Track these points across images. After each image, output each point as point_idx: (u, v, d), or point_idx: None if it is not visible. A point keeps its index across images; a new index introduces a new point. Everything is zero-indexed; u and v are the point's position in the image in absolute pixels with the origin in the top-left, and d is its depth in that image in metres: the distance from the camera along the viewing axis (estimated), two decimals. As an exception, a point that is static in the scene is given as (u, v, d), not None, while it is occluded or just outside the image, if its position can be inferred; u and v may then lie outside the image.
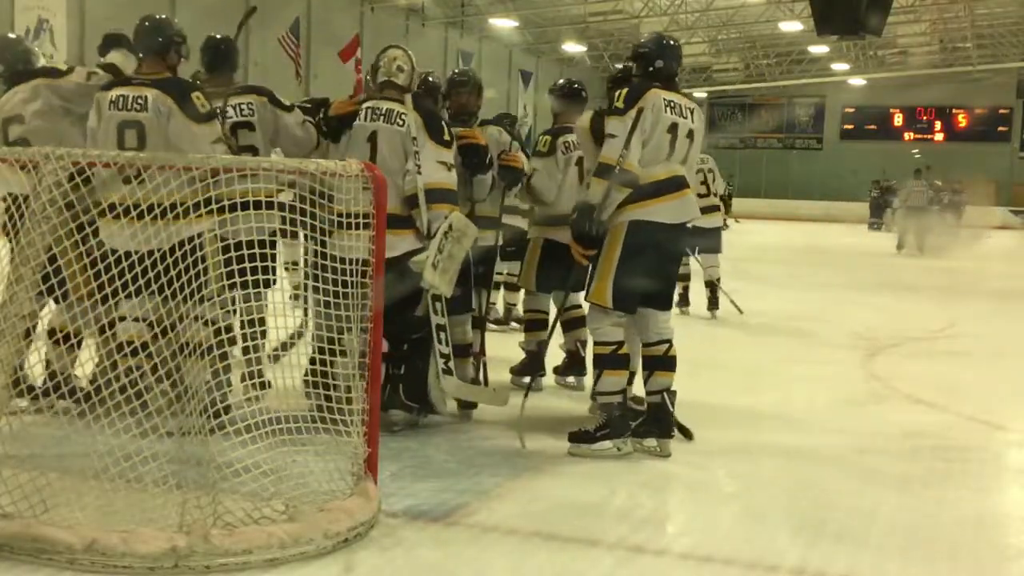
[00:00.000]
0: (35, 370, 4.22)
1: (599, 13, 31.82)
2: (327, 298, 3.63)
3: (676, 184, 4.54)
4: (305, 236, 4.10)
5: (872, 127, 40.74)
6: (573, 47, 33.66)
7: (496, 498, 3.92)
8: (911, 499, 4.17)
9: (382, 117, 4.72)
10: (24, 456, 3.37)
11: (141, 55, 4.67)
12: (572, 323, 5.80)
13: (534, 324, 5.96)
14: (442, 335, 4.73)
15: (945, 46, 35.53)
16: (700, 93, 40.92)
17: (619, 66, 5.38)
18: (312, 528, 3.22)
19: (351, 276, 3.59)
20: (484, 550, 3.41)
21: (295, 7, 23.38)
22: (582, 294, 5.75)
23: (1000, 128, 39.40)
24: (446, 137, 4.78)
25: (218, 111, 4.67)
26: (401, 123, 4.70)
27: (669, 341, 4.62)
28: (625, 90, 4.52)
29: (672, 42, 4.79)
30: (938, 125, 40.33)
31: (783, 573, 3.30)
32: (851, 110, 40.92)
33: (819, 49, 34.23)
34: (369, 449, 3.59)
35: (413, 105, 4.76)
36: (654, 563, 3.37)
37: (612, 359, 4.53)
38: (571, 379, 6.01)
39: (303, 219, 3.65)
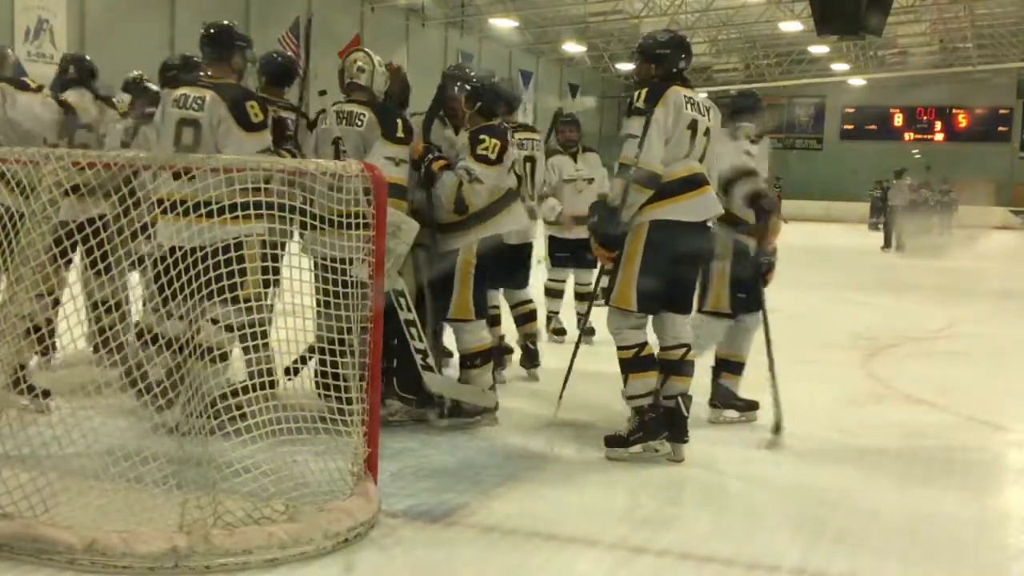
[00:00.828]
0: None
1: (599, 13, 31.81)
2: (326, 298, 3.65)
3: (696, 182, 4.47)
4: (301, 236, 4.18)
5: (872, 127, 40.72)
6: (573, 47, 33.67)
7: (496, 498, 3.91)
8: (911, 499, 4.17)
9: (344, 120, 4.82)
10: (24, 456, 3.37)
11: (207, 60, 4.77)
12: (523, 318, 6.26)
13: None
14: (412, 331, 4.73)
15: (945, 46, 35.51)
16: (700, 93, 40.95)
17: (627, 67, 5.43)
18: (312, 528, 3.22)
19: (340, 276, 3.61)
20: (484, 550, 3.41)
21: (295, 7, 23.40)
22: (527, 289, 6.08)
23: (1000, 128, 39.38)
24: (399, 134, 4.81)
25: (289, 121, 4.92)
26: (360, 123, 4.79)
27: (687, 346, 4.54)
28: (645, 89, 4.45)
29: (687, 39, 4.79)
30: (938, 125, 40.32)
31: (783, 573, 3.30)
32: (851, 110, 40.90)
33: (819, 49, 34.22)
34: (369, 449, 3.59)
35: (371, 104, 4.87)
36: (654, 563, 3.37)
37: (636, 362, 4.46)
38: (530, 370, 6.21)
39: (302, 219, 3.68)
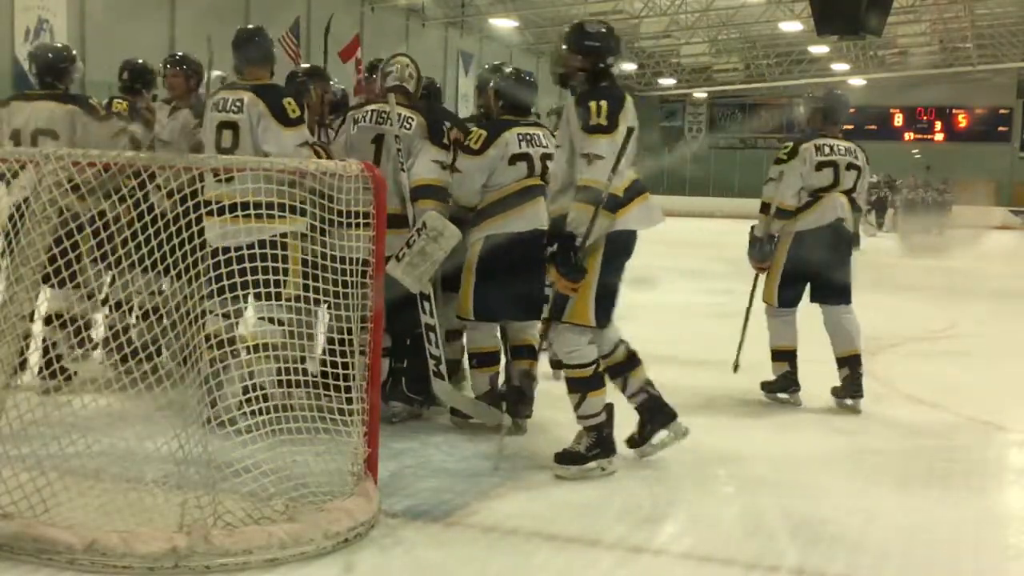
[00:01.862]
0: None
1: (599, 13, 31.78)
2: (327, 298, 3.66)
3: (639, 189, 4.31)
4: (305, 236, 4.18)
5: (872, 127, 40.67)
6: (573, 47, 33.63)
7: (496, 498, 3.91)
8: (911, 499, 4.17)
9: (388, 120, 4.82)
10: (24, 456, 3.37)
11: (242, 63, 4.89)
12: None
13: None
14: (431, 336, 4.72)
15: (945, 46, 35.51)
16: (700, 93, 40.97)
17: (627, 67, 5.32)
18: (312, 528, 3.22)
19: (351, 276, 3.62)
20: (484, 550, 3.41)
21: (295, 7, 23.39)
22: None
23: (1000, 128, 39.36)
24: (445, 140, 4.89)
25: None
26: (408, 126, 4.85)
27: (622, 340, 4.47)
28: (605, 103, 4.08)
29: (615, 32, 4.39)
30: (938, 125, 40.30)
31: (783, 573, 3.30)
32: (851, 110, 40.80)
33: (819, 49, 34.23)
34: (369, 449, 3.60)
35: (418, 108, 4.95)
36: (654, 563, 3.38)
37: (595, 379, 4.28)
38: None
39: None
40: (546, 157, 4.84)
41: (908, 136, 40.38)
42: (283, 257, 3.68)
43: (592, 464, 4.27)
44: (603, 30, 4.29)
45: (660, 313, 8.59)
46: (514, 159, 4.82)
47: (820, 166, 5.77)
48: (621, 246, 4.26)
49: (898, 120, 40.69)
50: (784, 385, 5.80)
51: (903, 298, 11.85)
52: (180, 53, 6.07)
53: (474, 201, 4.86)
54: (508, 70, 5.48)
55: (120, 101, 5.93)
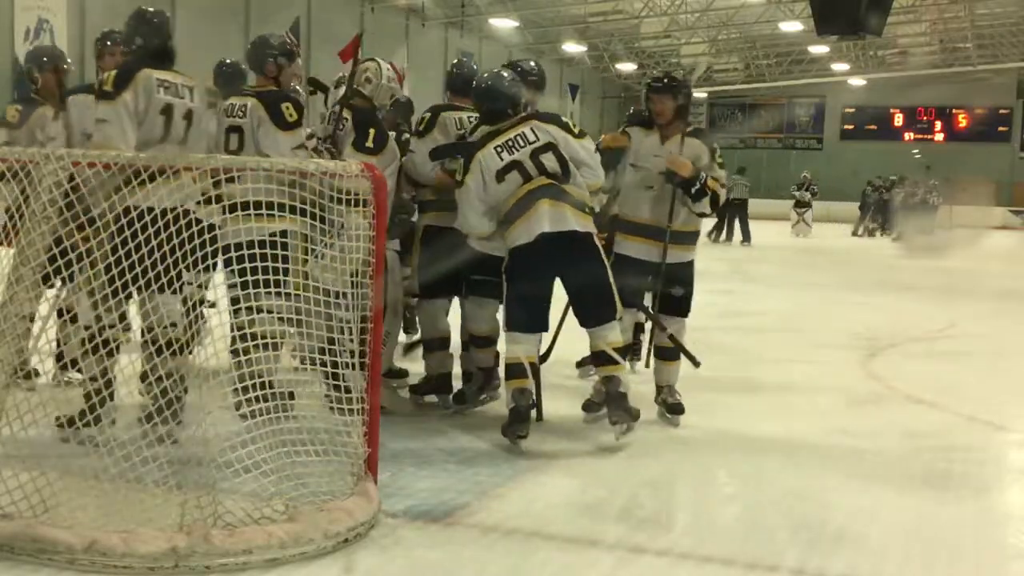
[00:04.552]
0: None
1: (599, 13, 31.80)
2: (326, 297, 3.67)
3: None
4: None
5: (872, 127, 40.70)
6: (573, 47, 33.65)
7: (496, 498, 3.92)
8: (911, 499, 4.17)
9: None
10: (24, 456, 3.37)
11: (250, 69, 5.14)
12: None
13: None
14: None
15: (945, 46, 35.50)
16: (700, 93, 40.92)
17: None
18: (312, 528, 3.22)
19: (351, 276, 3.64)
20: (484, 550, 3.41)
21: (295, 7, 23.40)
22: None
23: (1000, 128, 39.35)
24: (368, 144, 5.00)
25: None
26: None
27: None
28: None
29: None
30: (938, 125, 40.29)
31: (783, 573, 3.30)
32: (851, 110, 40.88)
33: (819, 49, 34.20)
34: (369, 449, 3.60)
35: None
36: (654, 563, 3.37)
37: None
38: None
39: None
40: (539, 152, 4.66)
41: (908, 136, 40.39)
42: (284, 256, 3.67)
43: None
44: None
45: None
46: (500, 174, 4.65)
47: None
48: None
49: (898, 120, 40.70)
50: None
51: (903, 298, 11.86)
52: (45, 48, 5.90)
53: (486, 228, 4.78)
54: (494, 69, 5.17)
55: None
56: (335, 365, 3.66)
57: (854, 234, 26.45)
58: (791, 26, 31.01)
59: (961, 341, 8.76)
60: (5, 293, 3.41)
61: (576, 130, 4.78)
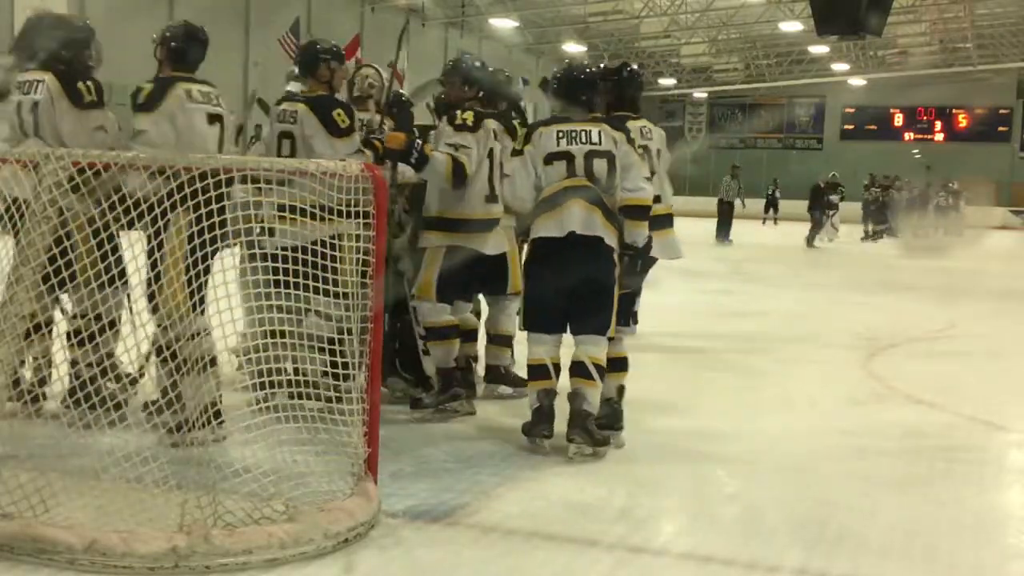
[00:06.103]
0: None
1: (599, 13, 31.84)
2: (327, 297, 3.66)
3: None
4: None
5: (872, 127, 40.72)
6: (573, 47, 33.68)
7: (496, 498, 3.92)
8: (911, 499, 4.17)
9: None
10: (24, 456, 3.37)
11: (301, 75, 5.17)
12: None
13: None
14: (417, 315, 5.15)
15: (945, 46, 35.54)
16: (700, 93, 40.97)
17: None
18: (312, 528, 3.22)
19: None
20: (484, 550, 3.41)
21: (295, 7, 23.40)
22: None
23: (1000, 128, 39.39)
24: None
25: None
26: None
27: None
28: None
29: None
30: (938, 125, 40.33)
31: (783, 573, 3.30)
32: (851, 110, 40.90)
33: (819, 49, 34.25)
34: (369, 449, 3.60)
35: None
36: (654, 563, 3.37)
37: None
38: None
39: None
40: (594, 155, 4.61)
41: (908, 136, 40.41)
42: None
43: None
44: None
45: (660, 313, 8.58)
46: (550, 158, 4.63)
47: None
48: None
49: (898, 120, 40.72)
50: None
51: (903, 298, 11.86)
52: None
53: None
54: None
55: None
56: (335, 365, 3.66)
57: (863, 239, 25.71)
58: (791, 26, 31.06)
59: (961, 341, 8.76)
60: (5, 293, 3.42)
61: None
